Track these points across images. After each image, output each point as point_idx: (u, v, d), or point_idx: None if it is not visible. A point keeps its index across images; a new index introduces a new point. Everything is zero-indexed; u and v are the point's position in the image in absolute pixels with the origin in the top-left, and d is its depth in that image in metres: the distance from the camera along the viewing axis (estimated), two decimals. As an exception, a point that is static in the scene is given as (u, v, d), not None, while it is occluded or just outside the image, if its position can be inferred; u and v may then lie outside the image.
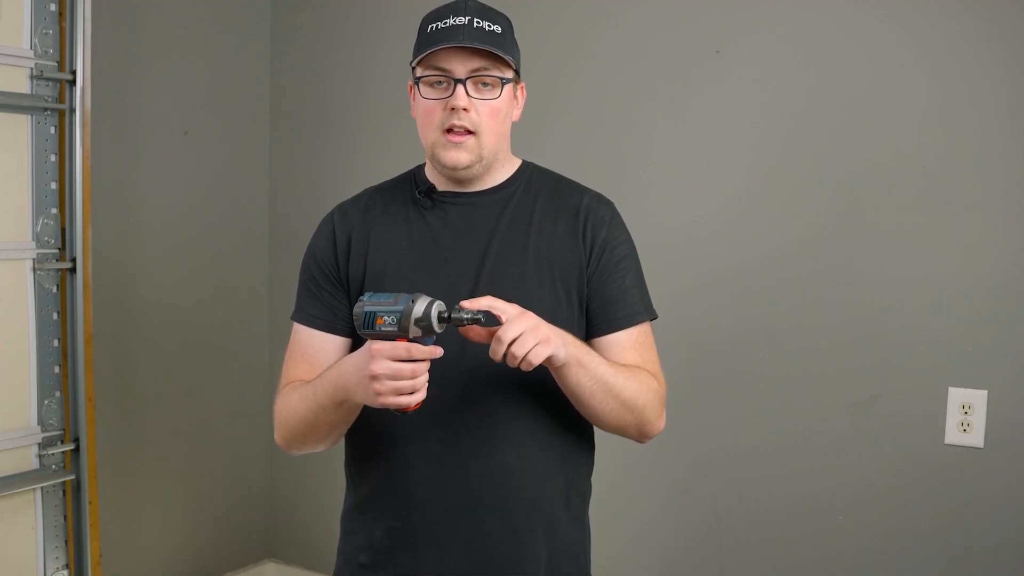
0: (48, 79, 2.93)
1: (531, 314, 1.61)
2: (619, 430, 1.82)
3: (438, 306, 1.58)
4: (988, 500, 2.64)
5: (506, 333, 1.57)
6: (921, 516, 2.73)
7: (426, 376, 1.60)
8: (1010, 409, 2.61)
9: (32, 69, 2.90)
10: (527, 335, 1.58)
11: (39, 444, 2.97)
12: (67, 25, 2.96)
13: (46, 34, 2.92)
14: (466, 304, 1.59)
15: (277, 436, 1.89)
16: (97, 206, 3.15)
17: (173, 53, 3.69)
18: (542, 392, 1.80)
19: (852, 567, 2.83)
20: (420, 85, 1.78)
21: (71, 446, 3.02)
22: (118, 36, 3.47)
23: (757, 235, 2.96)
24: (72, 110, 2.97)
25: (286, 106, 4.03)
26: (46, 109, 2.94)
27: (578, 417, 1.89)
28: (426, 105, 1.78)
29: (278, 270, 4.02)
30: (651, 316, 1.90)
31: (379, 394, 1.59)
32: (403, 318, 1.57)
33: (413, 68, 1.81)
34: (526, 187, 1.89)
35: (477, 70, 1.74)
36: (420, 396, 1.61)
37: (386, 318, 1.58)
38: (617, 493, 3.07)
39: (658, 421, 1.85)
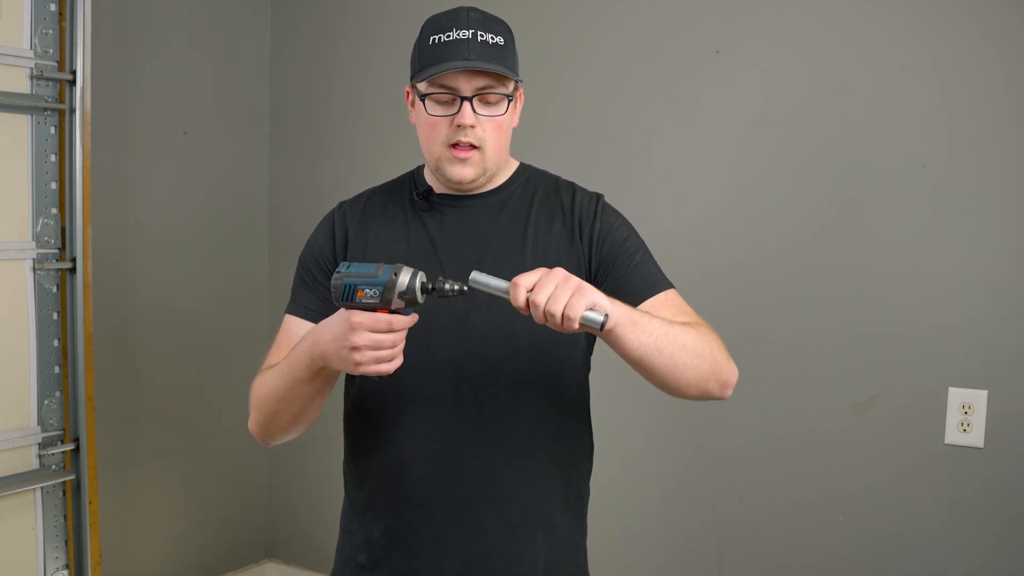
0: (48, 79, 2.92)
1: (559, 269, 1.52)
2: (699, 387, 1.72)
3: (420, 277, 1.57)
4: (988, 500, 2.64)
5: (523, 279, 1.50)
6: (921, 516, 2.73)
7: (403, 343, 1.60)
8: (1010, 409, 2.61)
9: (32, 69, 2.90)
10: (559, 288, 1.48)
11: (39, 444, 2.97)
12: (67, 25, 2.95)
13: (46, 34, 2.92)
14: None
15: (251, 421, 1.86)
16: (97, 206, 3.15)
17: (173, 53, 3.69)
18: (542, 392, 1.80)
19: (852, 567, 2.83)
20: (426, 101, 1.77)
21: (71, 446, 3.02)
22: (118, 36, 3.47)
23: (757, 235, 2.96)
24: (72, 110, 2.96)
25: (286, 106, 4.03)
26: (46, 109, 2.94)
27: (578, 418, 1.90)
28: (431, 120, 1.77)
29: (278, 270, 4.02)
30: (672, 285, 1.86)
31: (359, 364, 1.58)
32: (386, 291, 1.56)
33: (414, 79, 1.80)
34: (523, 190, 1.89)
35: (483, 88, 1.74)
36: (398, 362, 1.61)
37: (367, 290, 1.57)
38: (615, 493, 3.07)
39: (730, 363, 1.77)
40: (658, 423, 3.12)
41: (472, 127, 1.74)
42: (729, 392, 1.78)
